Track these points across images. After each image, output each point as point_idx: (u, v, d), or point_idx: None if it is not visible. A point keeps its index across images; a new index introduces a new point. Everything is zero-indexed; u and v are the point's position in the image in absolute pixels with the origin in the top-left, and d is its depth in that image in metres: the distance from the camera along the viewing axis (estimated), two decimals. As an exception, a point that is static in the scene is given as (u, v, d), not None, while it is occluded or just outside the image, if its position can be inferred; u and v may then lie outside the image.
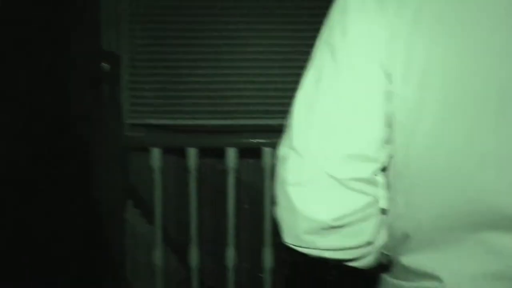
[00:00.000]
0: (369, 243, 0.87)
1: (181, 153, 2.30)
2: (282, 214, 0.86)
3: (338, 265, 0.90)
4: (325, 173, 0.81)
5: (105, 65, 2.23)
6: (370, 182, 0.83)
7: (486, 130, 0.71)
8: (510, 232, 0.71)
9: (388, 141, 0.83)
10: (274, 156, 2.28)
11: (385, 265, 0.94)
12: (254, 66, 2.47)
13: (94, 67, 2.22)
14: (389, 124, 0.81)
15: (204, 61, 2.44)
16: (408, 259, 0.81)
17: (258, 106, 2.45)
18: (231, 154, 2.25)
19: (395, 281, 0.85)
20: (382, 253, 0.92)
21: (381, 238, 0.89)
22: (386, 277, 0.88)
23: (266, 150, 2.23)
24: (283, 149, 0.86)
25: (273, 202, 0.88)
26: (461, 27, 0.73)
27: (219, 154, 2.30)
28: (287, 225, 0.85)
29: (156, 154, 2.28)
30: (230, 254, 2.27)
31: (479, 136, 0.72)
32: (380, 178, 0.86)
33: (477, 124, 0.72)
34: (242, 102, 2.45)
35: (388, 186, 0.86)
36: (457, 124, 0.73)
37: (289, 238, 0.87)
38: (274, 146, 2.17)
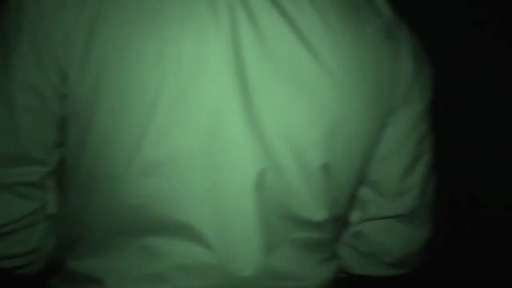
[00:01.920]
0: (34, 251, 0.83)
1: None
2: None
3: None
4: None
5: None
6: (38, 186, 0.79)
7: (155, 137, 0.74)
8: (169, 237, 0.76)
9: (61, 143, 0.80)
10: None
11: (51, 270, 0.91)
12: None
13: None
14: (63, 126, 0.78)
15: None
16: (75, 264, 0.79)
17: None
18: None
19: (60, 288, 0.82)
20: (48, 259, 0.88)
21: (48, 245, 0.86)
22: (53, 285, 0.85)
23: None
24: None
25: None
26: (139, 29, 0.72)
27: None
28: None
29: None
30: None
31: (149, 142, 0.74)
32: (49, 182, 0.82)
33: (145, 131, 0.74)
34: None
35: (60, 189, 0.84)
36: (124, 131, 0.73)
37: None
38: None
